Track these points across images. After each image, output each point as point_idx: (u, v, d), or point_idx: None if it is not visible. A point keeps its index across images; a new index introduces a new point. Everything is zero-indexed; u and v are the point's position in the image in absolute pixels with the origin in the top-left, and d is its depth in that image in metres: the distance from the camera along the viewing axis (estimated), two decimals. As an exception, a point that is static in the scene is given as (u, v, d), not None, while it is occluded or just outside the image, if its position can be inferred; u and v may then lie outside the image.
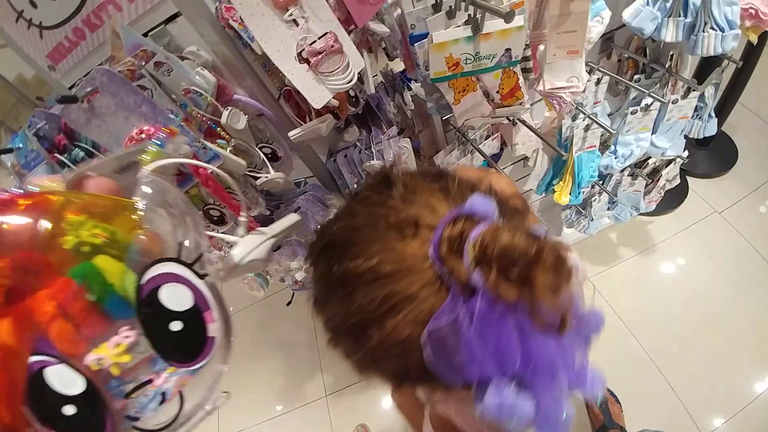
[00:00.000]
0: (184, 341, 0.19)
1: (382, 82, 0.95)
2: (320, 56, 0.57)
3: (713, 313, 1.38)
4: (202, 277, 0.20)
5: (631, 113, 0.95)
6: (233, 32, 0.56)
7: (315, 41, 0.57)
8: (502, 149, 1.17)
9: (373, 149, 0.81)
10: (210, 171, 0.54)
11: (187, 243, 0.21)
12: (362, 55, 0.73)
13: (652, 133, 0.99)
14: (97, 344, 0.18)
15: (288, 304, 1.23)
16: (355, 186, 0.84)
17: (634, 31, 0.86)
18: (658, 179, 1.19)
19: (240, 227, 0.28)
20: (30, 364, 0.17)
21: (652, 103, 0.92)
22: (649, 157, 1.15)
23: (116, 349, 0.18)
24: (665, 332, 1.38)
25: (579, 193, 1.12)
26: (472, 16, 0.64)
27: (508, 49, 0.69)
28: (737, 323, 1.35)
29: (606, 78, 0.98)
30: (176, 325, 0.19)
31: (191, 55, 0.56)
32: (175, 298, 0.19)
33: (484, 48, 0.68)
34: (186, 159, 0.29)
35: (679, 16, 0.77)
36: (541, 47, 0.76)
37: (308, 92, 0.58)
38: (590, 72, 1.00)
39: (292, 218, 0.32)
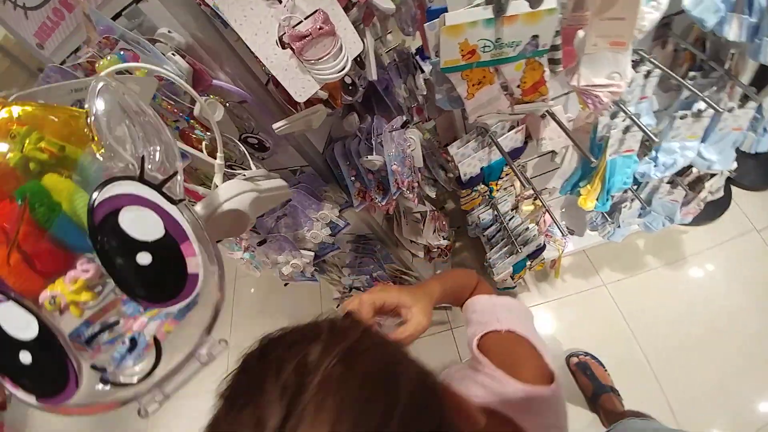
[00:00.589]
0: (155, 277, 0.16)
1: (394, 60, 0.85)
2: (305, 41, 0.49)
3: (733, 338, 1.27)
4: (175, 202, 0.16)
5: (680, 118, 0.81)
6: (210, 10, 0.49)
7: (301, 22, 0.49)
8: (526, 143, 1.05)
9: (373, 141, 0.73)
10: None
11: (152, 158, 0.17)
12: (364, 35, 0.63)
13: (700, 142, 0.85)
14: (54, 281, 0.15)
15: (285, 285, 1.23)
16: (353, 179, 0.78)
17: (694, 20, 0.71)
18: (700, 191, 1.05)
19: (217, 174, 0.20)
20: None
21: (705, 109, 0.78)
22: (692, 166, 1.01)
23: (73, 285, 0.14)
24: (678, 353, 1.29)
25: (607, 199, 1.01)
26: (495, -7, 0.53)
27: (535, 37, 0.57)
28: (756, 350, 1.23)
29: (657, 71, 0.84)
30: (144, 258, 0.15)
31: (163, 37, 0.49)
32: (140, 224, 0.15)
33: (507, 33, 0.57)
34: (143, 64, 0.22)
35: (744, 13, 0.63)
36: (580, 33, 0.64)
37: (290, 84, 0.50)
38: (639, 62, 0.86)
39: (278, 182, 0.25)
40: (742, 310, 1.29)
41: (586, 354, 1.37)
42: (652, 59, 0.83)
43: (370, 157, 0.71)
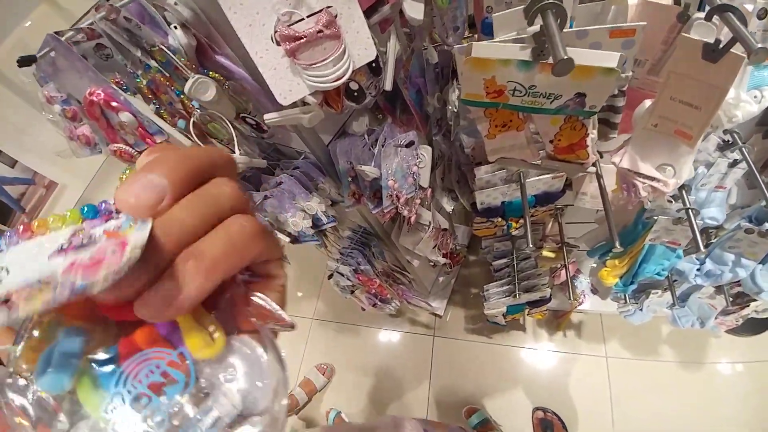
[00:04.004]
0: None
1: (436, 64, 0.76)
2: (298, 43, 0.44)
3: None
4: None
5: (746, 231, 0.65)
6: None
7: (302, 20, 0.44)
8: (564, 190, 0.93)
9: (378, 149, 0.68)
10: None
11: None
12: (388, 40, 0.56)
13: (759, 263, 0.69)
14: None
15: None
16: (350, 179, 0.74)
17: None
18: (744, 307, 0.87)
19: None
20: None
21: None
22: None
23: None
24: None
25: (632, 283, 0.88)
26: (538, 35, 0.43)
27: (580, 94, 0.47)
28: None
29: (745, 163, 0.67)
30: None
31: (170, 8, 0.47)
32: None
33: (545, 83, 0.47)
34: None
35: None
36: (647, 103, 0.51)
37: (276, 84, 0.46)
38: (728, 146, 0.69)
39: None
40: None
41: (555, 414, 1.30)
42: (744, 148, 0.66)
43: (364, 167, 0.66)
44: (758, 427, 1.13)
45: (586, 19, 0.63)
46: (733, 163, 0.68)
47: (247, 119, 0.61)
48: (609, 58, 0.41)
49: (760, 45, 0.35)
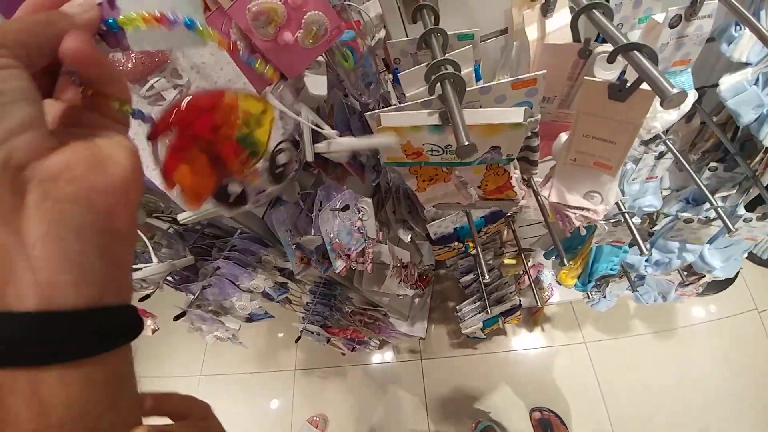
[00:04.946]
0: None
1: (360, 113, 0.74)
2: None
3: (704, 424, 1.18)
4: None
5: (684, 221, 0.68)
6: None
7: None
8: (509, 204, 0.94)
9: (315, 214, 0.65)
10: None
11: None
12: (299, 113, 0.53)
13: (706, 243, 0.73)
14: None
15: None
16: (294, 247, 0.70)
17: (729, 111, 0.58)
18: (702, 277, 0.93)
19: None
20: None
21: (716, 218, 0.66)
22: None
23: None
24: (645, 427, 1.22)
25: (589, 281, 0.91)
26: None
27: (495, 147, 0.46)
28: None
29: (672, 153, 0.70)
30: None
31: None
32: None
33: (460, 142, 0.46)
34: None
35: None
36: (563, 136, 0.52)
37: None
38: (652, 140, 0.72)
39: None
40: (721, 396, 1.19)
41: (551, 411, 1.32)
42: (668, 141, 0.69)
43: (305, 239, 0.63)
44: (736, 377, 1.21)
45: (492, 55, 0.64)
46: (660, 155, 0.71)
47: (162, 218, 0.56)
48: (515, 114, 0.40)
49: (675, 90, 0.30)
